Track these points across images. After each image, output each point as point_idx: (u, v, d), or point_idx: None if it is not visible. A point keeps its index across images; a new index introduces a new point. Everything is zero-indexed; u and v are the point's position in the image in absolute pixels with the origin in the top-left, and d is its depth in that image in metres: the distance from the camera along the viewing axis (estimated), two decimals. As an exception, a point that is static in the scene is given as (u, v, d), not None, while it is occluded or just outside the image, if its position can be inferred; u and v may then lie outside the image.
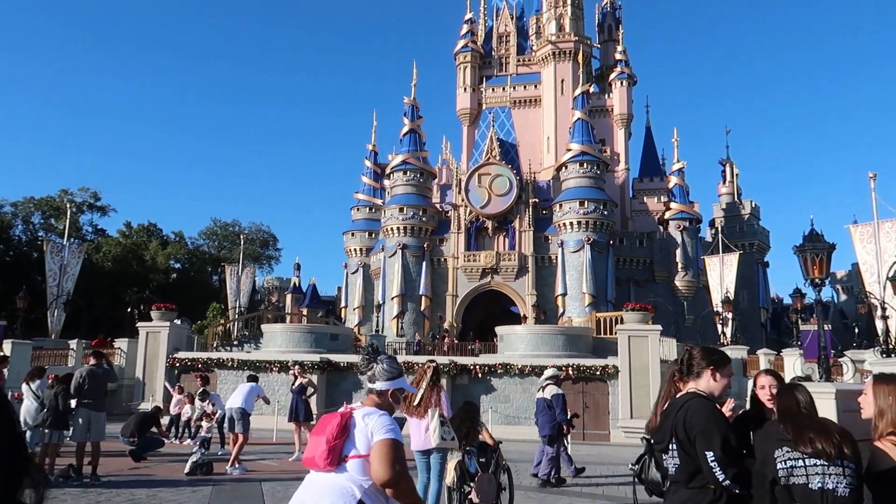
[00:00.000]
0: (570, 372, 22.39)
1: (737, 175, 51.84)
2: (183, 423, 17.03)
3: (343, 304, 52.35)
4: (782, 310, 55.65)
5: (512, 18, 54.19)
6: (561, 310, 41.92)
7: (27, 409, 11.15)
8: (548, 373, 12.03)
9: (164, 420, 16.14)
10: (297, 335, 27.86)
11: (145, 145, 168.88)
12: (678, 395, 3.37)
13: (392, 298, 43.68)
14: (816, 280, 8.51)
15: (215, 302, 58.28)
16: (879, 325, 23.92)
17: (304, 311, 54.98)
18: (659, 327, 22.27)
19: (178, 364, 25.09)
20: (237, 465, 11.48)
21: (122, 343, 29.41)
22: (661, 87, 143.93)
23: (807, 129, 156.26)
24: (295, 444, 13.81)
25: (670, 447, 3.23)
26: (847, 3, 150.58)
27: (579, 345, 26.00)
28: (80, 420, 10.23)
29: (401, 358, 25.53)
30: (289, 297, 66.45)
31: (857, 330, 24.22)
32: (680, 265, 44.60)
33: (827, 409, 8.20)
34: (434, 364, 8.07)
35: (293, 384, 14.34)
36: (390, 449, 2.92)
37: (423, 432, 7.39)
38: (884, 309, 23.31)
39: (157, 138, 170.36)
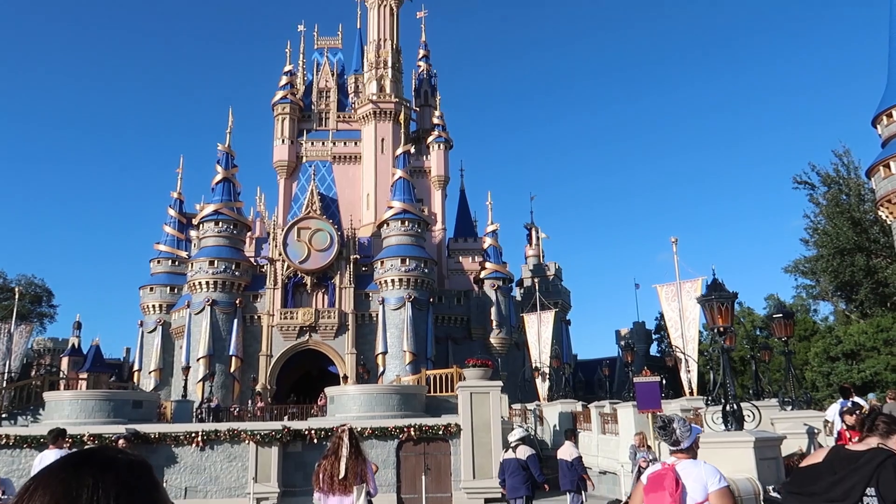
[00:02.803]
0: (412, 433, 21.52)
1: (542, 238, 55.55)
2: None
3: (137, 367, 46.65)
4: (578, 365, 59.58)
5: (333, 74, 54.08)
6: (382, 368, 41.02)
7: None
8: (517, 433, 11.35)
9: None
10: (91, 403, 23.93)
11: None
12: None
13: (198, 360, 39.73)
14: (721, 328, 8.71)
15: (-32, 367, 49.11)
16: (684, 376, 26.34)
17: (85, 376, 48.20)
18: (499, 383, 22.29)
19: (-72, 445, 20.13)
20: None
21: None
22: (473, 153, 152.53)
23: (606, 197, 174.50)
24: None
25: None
26: (640, 76, 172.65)
27: (413, 404, 25.22)
28: None
29: (191, 427, 22.83)
30: (65, 361, 58.00)
31: (663, 381, 26.26)
32: (495, 323, 46.09)
33: (744, 458, 8.26)
34: (348, 427, 6.89)
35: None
36: (729, 495, 3.73)
37: None
38: (687, 361, 25.75)
39: None
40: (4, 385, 30.62)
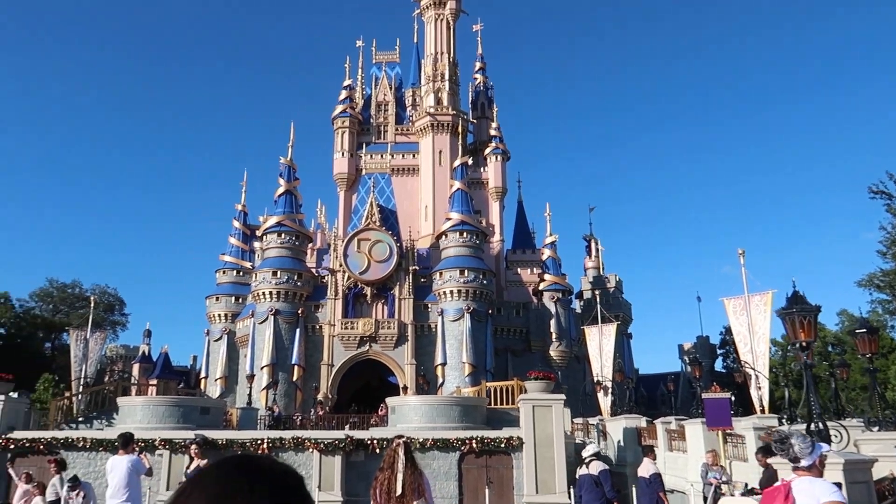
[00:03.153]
0: (474, 445, 21.40)
1: (601, 251, 54.80)
2: (30, 520, 13.88)
3: (203, 375, 48.03)
4: (639, 380, 58.26)
5: (391, 88, 54.82)
6: (441, 379, 41.03)
7: None
8: (590, 448, 11.19)
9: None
10: (162, 409, 24.63)
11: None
12: None
13: (262, 368, 40.60)
14: (804, 343, 8.32)
15: (47, 373, 51.58)
16: (754, 392, 25.37)
17: (154, 382, 49.85)
18: (562, 396, 21.91)
19: (13, 445, 21.12)
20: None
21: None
22: (531, 164, 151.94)
23: (666, 208, 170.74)
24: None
25: None
26: (715, 88, 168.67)
27: (475, 416, 25.08)
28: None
29: (257, 434, 23.26)
30: (136, 367, 60.07)
31: (732, 398, 25.37)
32: (554, 335, 45.56)
33: (835, 479, 7.84)
34: (403, 440, 6.81)
35: (187, 467, 12.10)
36: None
37: None
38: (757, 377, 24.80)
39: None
40: (80, 390, 31.98)
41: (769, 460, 9.32)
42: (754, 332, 25.07)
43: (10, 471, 18.19)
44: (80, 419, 28.34)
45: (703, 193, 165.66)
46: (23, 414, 23.13)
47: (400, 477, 6.33)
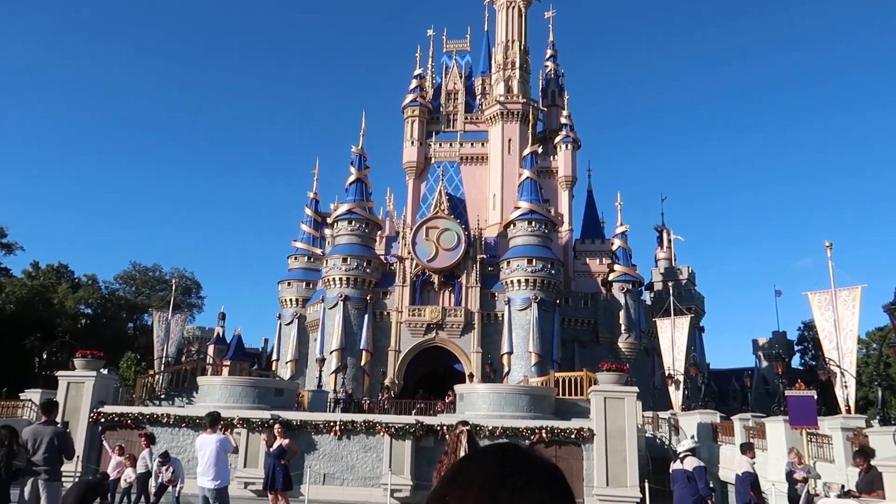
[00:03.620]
0: (543, 435, 21.27)
1: (674, 240, 53.33)
2: (122, 490, 14.64)
3: (275, 357, 49.47)
4: (710, 374, 56.55)
5: (460, 77, 54.71)
6: (507, 368, 40.93)
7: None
8: (686, 444, 11.07)
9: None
10: (239, 389, 25.49)
11: (60, 178, 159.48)
12: None
13: (331, 352, 41.50)
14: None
15: (130, 352, 54.13)
16: (839, 391, 24.21)
17: (228, 363, 51.66)
18: (635, 389, 21.53)
19: (103, 419, 22.32)
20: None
21: (32, 394, 26.31)
22: (602, 153, 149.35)
23: (740, 199, 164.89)
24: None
25: None
26: (790, 76, 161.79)
27: (543, 406, 24.89)
28: (28, 492, 8.16)
29: (330, 417, 23.71)
30: (211, 348, 62.43)
31: (815, 396, 24.28)
32: (623, 327, 44.76)
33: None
34: (468, 427, 6.68)
35: (271, 446, 12.46)
36: None
37: None
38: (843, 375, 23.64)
39: (75, 171, 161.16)
40: (162, 368, 33.46)
41: (873, 462, 8.89)
42: (841, 329, 23.94)
43: (105, 443, 19.19)
44: (163, 396, 29.66)
45: (778, 188, 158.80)
46: (112, 390, 24.38)
47: None
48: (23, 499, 8.15)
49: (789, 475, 11.11)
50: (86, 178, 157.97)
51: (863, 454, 9.88)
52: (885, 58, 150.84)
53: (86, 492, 11.17)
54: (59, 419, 8.56)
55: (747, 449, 12.44)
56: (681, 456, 10.92)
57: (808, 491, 11.73)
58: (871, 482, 9.16)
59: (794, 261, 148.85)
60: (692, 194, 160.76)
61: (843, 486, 10.82)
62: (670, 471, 10.77)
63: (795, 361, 63.46)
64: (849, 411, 22.94)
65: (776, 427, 18.41)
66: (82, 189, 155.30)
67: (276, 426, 13.37)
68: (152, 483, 13.41)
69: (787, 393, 17.97)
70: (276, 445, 12.35)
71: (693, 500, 10.59)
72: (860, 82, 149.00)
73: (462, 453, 6.34)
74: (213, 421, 10.75)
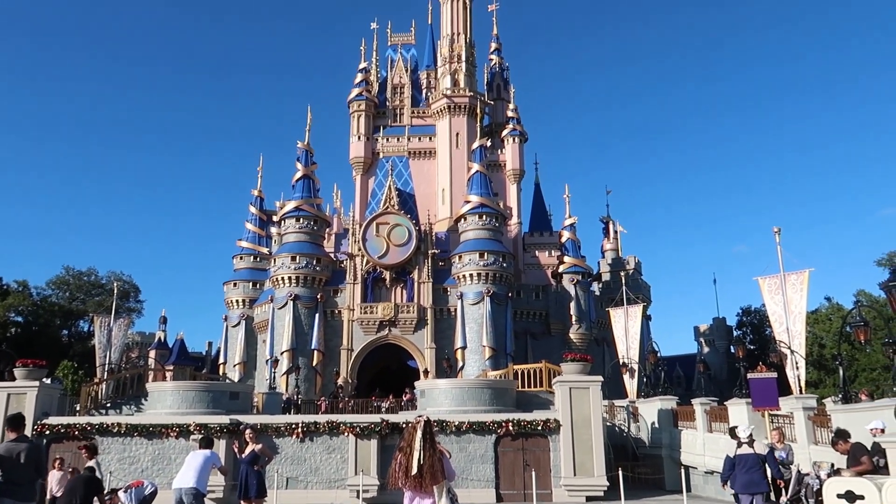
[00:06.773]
0: (510, 428, 21.23)
1: (619, 233, 54.30)
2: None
3: (222, 360, 48.04)
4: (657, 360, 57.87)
5: (406, 70, 54.22)
6: (461, 363, 40.87)
7: None
8: (747, 429, 11.07)
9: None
10: (192, 394, 24.57)
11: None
12: None
13: (282, 353, 40.54)
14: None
15: (66, 360, 51.64)
16: (790, 372, 25.07)
17: (171, 368, 49.91)
18: (599, 378, 21.73)
19: (48, 431, 21.09)
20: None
21: (-35, 408, 24.60)
22: (548, 146, 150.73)
23: (678, 189, 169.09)
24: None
25: None
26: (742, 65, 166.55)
27: (505, 399, 24.93)
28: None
29: (291, 419, 23.10)
30: (152, 353, 60.20)
31: (776, 377, 25.06)
32: (574, 318, 45.32)
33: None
34: (424, 419, 6.38)
35: (242, 452, 11.91)
36: None
37: None
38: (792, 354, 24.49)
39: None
40: (106, 376, 31.95)
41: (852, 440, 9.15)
42: (790, 311, 24.76)
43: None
44: (108, 405, 28.34)
45: (714, 174, 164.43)
46: (56, 400, 23.09)
47: (416, 455, 5.98)
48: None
49: (770, 454, 11.32)
50: (10, 183, 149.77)
51: (841, 437, 10.15)
52: (823, 42, 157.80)
53: (89, 486, 10.39)
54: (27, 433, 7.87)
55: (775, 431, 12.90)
56: (746, 441, 11.08)
57: (798, 471, 11.98)
58: (854, 457, 9.40)
59: (732, 246, 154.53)
60: (636, 184, 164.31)
61: (832, 465, 11.08)
62: (731, 456, 10.86)
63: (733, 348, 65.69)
64: (801, 391, 23.80)
65: (739, 409, 18.89)
66: (8, 193, 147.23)
67: (248, 431, 12.84)
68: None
69: (749, 376, 18.44)
70: (248, 451, 11.82)
71: (766, 482, 11.03)
72: (798, 67, 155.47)
73: (417, 445, 6.02)
74: (208, 444, 11.40)
